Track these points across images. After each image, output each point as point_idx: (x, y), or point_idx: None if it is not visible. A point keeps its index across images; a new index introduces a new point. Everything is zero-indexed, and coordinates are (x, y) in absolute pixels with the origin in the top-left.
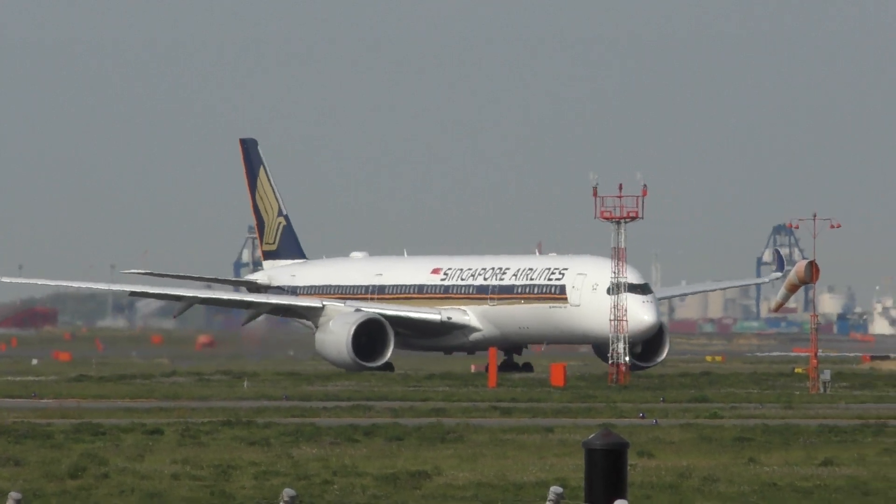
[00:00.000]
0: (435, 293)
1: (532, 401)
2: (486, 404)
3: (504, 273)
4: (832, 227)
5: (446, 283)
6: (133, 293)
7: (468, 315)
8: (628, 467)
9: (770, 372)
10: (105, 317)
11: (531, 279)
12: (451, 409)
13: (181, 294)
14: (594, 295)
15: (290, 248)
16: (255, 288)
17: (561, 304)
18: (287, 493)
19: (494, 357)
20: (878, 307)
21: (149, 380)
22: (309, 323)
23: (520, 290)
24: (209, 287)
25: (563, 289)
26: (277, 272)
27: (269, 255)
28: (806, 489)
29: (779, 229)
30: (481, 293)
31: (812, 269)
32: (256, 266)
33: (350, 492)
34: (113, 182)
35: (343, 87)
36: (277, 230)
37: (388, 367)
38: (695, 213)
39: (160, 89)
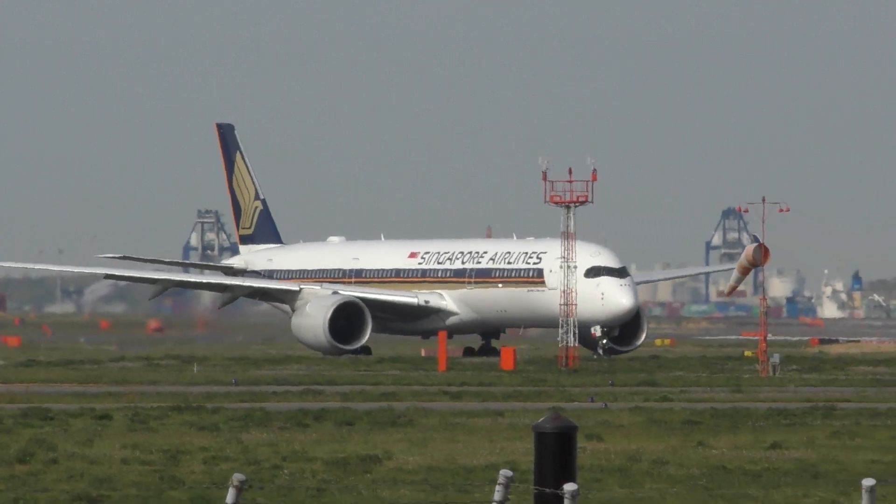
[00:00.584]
0: (412, 277)
1: (482, 385)
2: (437, 388)
3: (482, 257)
4: (781, 210)
5: (423, 266)
6: (108, 276)
7: (445, 299)
8: (578, 451)
9: (719, 356)
10: (54, 302)
11: (509, 262)
12: (401, 393)
13: (157, 277)
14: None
15: (266, 232)
16: (231, 273)
17: (539, 288)
18: (237, 477)
19: (444, 341)
20: (828, 290)
21: (98, 365)
22: (286, 307)
23: (497, 274)
24: (187, 272)
25: (540, 272)
26: (254, 257)
27: (245, 240)
28: (755, 472)
29: (728, 213)
30: (459, 277)
31: (762, 252)
32: (206, 250)
33: (300, 476)
34: (67, 166)
35: (319, 74)
36: (254, 215)
37: (366, 350)
38: (645, 198)
39: (136, 75)
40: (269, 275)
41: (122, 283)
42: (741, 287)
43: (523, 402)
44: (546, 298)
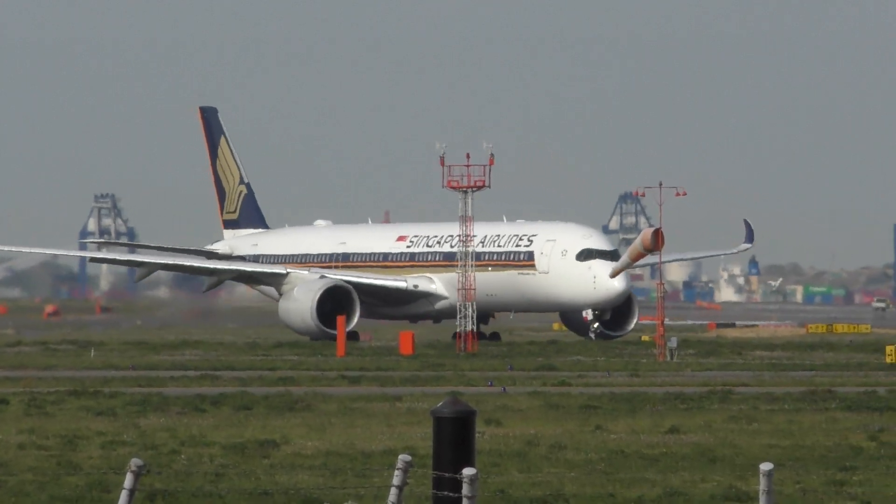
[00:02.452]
0: (400, 261)
1: (380, 370)
2: (335, 373)
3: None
4: (678, 195)
5: (412, 250)
6: (94, 259)
7: (435, 283)
8: (476, 435)
9: (617, 340)
10: None
11: (499, 245)
12: (299, 377)
13: (145, 260)
14: (563, 261)
15: (251, 217)
16: (215, 258)
17: (529, 271)
18: (134, 462)
19: (343, 325)
20: (724, 275)
21: None
22: (272, 290)
23: (487, 258)
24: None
25: (531, 255)
26: (239, 242)
27: (229, 225)
28: (652, 456)
29: (625, 198)
30: (448, 260)
31: (657, 238)
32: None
33: (198, 461)
34: None
35: (302, 57)
36: (238, 199)
37: (353, 335)
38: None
39: (117, 58)
40: (255, 259)
41: (20, 267)
42: (638, 271)
43: (422, 387)
44: (537, 282)
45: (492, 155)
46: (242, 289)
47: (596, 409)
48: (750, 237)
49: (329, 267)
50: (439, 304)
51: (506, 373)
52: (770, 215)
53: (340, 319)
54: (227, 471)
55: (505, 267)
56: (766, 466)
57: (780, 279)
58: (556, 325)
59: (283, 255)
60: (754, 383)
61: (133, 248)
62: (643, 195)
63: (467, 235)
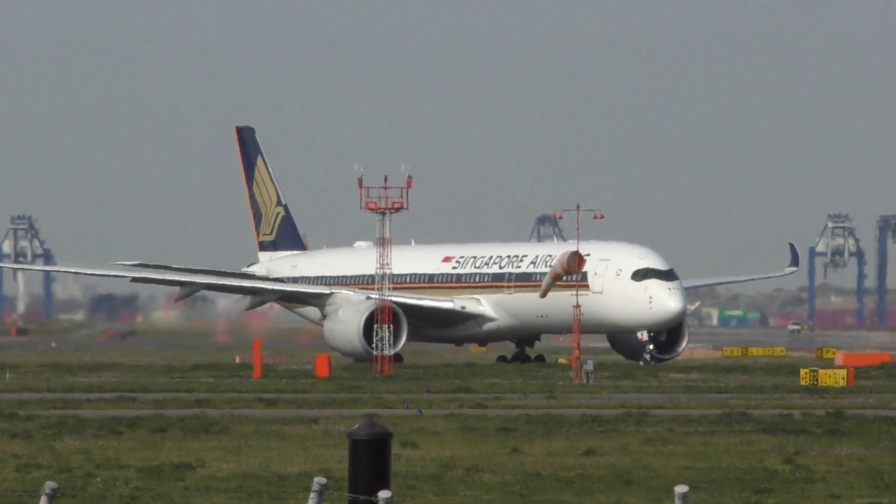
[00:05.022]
0: (447, 282)
1: (297, 392)
2: (252, 395)
3: (521, 260)
4: (595, 217)
5: (459, 271)
6: (136, 279)
7: (483, 304)
8: (392, 457)
9: (534, 362)
10: None
11: (550, 266)
12: (215, 400)
13: (186, 280)
14: (618, 281)
15: (288, 238)
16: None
17: (582, 292)
18: (49, 485)
19: (259, 347)
20: None
21: None
22: (311, 311)
23: (539, 278)
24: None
25: (584, 275)
26: (276, 264)
27: (265, 247)
28: (569, 478)
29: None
30: (497, 281)
31: (576, 260)
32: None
33: (113, 484)
34: None
35: (336, 77)
36: (276, 220)
37: (398, 358)
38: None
39: (146, 76)
40: (294, 282)
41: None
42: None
43: (338, 409)
44: (590, 302)
45: (409, 177)
46: (161, 313)
47: (512, 432)
48: (795, 260)
49: (373, 289)
50: (487, 326)
51: (422, 395)
52: (686, 239)
53: (257, 342)
54: (142, 494)
55: (558, 287)
56: (681, 489)
57: (698, 302)
58: (473, 348)
59: (323, 277)
60: (670, 406)
61: (160, 269)
62: (561, 218)
63: (384, 258)
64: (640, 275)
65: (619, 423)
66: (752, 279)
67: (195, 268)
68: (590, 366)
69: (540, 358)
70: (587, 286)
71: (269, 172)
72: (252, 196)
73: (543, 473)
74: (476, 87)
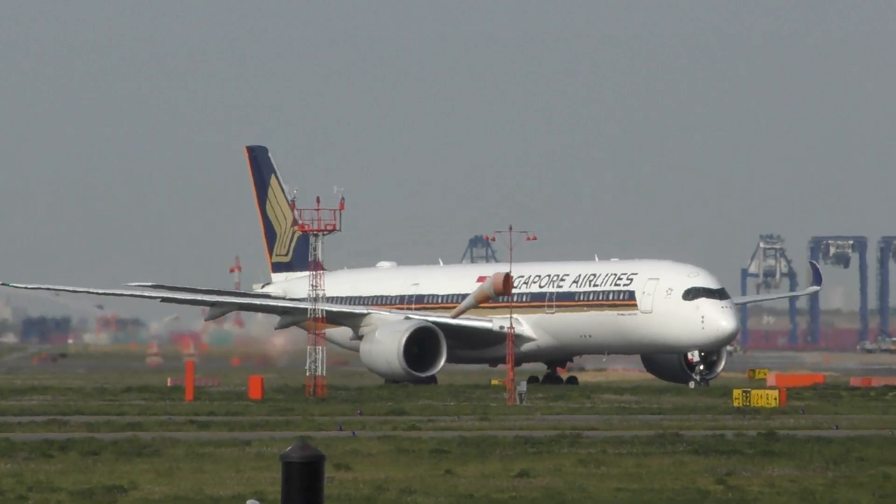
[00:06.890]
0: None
1: (230, 414)
2: (184, 418)
3: (563, 279)
4: (528, 239)
5: None
6: (165, 299)
7: (521, 324)
8: (325, 480)
9: (467, 384)
10: None
11: (595, 285)
12: (147, 422)
13: (217, 300)
14: (668, 301)
15: (305, 258)
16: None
17: (630, 311)
18: None
19: (192, 370)
20: None
21: None
22: (339, 332)
23: (582, 297)
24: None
25: (632, 294)
26: (293, 284)
27: (279, 268)
28: (502, 500)
29: (475, 241)
30: (537, 301)
31: (507, 282)
32: None
33: None
34: None
35: (352, 90)
36: (291, 240)
37: (432, 379)
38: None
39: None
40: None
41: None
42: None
43: (271, 432)
44: (639, 322)
45: (342, 199)
46: (92, 335)
47: (446, 454)
48: (818, 279)
49: (401, 309)
50: (525, 347)
51: (355, 417)
52: (619, 259)
53: (189, 364)
54: None
55: (602, 307)
56: None
57: None
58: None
59: (347, 298)
60: (603, 427)
61: (173, 290)
62: (493, 239)
63: (317, 279)
64: (691, 294)
65: (553, 445)
66: (773, 298)
67: (215, 289)
68: (523, 387)
69: (573, 380)
70: (635, 305)
71: (283, 192)
72: (265, 216)
73: (477, 495)
74: (412, 109)
